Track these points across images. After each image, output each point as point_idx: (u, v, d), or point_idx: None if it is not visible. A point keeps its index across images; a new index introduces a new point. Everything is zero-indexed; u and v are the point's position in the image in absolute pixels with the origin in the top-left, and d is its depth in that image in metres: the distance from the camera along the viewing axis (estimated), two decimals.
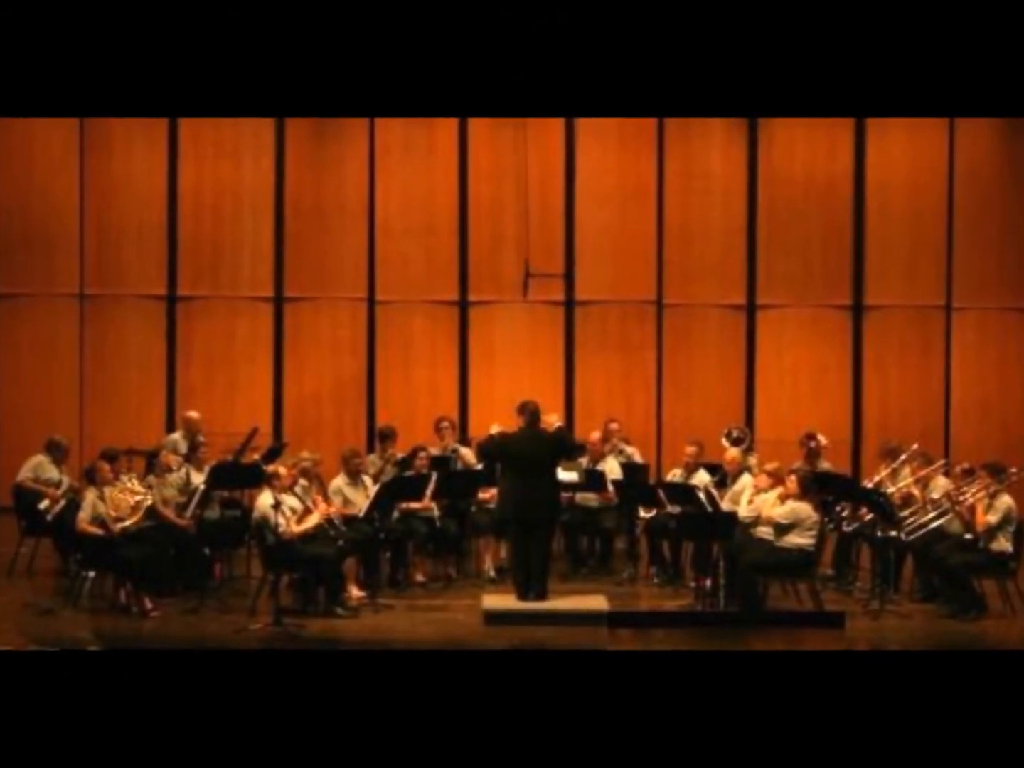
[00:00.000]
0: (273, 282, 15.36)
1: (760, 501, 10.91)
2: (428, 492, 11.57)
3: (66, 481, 11.97)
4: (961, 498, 10.90)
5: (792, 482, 10.74)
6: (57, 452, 12.11)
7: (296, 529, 10.50)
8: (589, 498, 12.19)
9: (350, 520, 10.98)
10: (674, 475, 12.14)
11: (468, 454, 12.54)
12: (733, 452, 11.81)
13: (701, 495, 11.01)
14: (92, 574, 10.75)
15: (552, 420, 11.74)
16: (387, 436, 12.44)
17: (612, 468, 12.29)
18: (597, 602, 10.79)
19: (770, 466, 11.18)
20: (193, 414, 12.97)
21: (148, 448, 12.42)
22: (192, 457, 11.81)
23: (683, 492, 11.28)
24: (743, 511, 10.96)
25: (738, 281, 15.52)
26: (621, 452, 12.70)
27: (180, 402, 14.96)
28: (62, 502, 11.65)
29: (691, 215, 15.51)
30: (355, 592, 10.93)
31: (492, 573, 11.85)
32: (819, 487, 10.97)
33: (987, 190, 15.45)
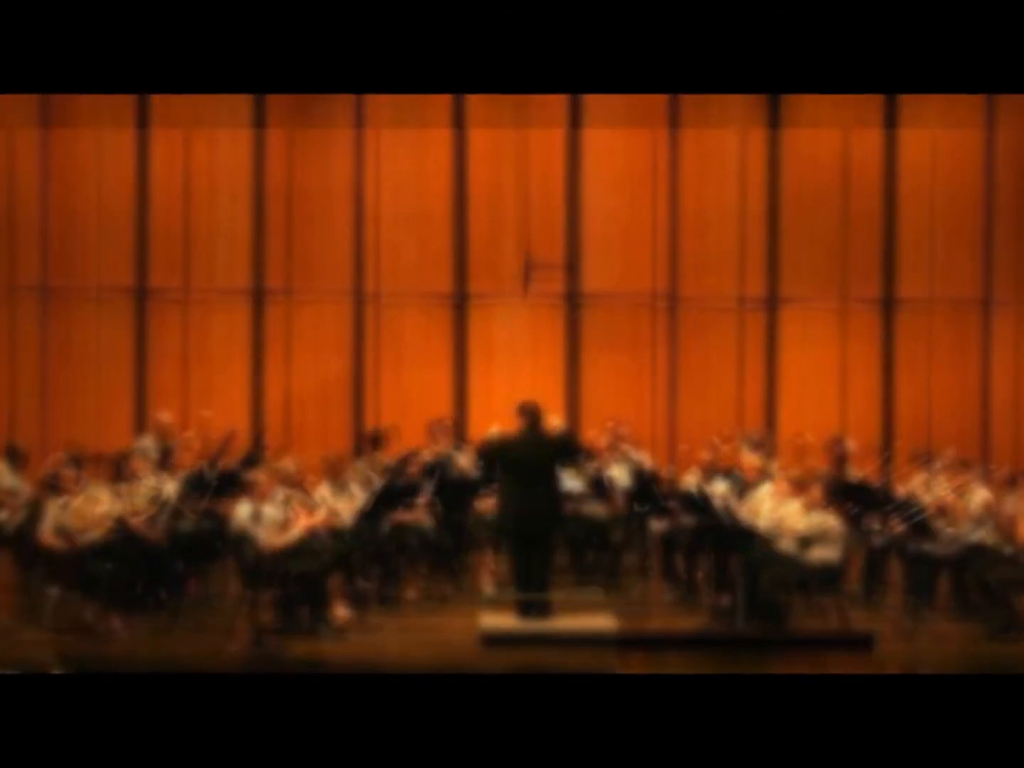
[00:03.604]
0: (251, 273, 15.34)
1: (782, 511, 10.91)
2: (421, 502, 11.58)
3: (26, 489, 11.97)
4: (1001, 508, 10.91)
5: (817, 491, 10.74)
6: (16, 458, 12.13)
7: (277, 541, 10.51)
8: (595, 508, 12.19)
9: (336, 532, 10.98)
10: (687, 483, 12.15)
11: (465, 459, 12.53)
12: (752, 458, 11.82)
13: (718, 505, 11.01)
14: (55, 591, 10.75)
15: (553, 421, 11.77)
16: (377, 441, 12.46)
17: (619, 475, 12.31)
18: (604, 621, 10.79)
19: (793, 473, 11.18)
20: (165, 417, 12.97)
21: (116, 453, 12.42)
22: (164, 463, 11.81)
23: (698, 502, 11.28)
24: (763, 522, 10.96)
25: (758, 273, 15.50)
26: (628, 458, 12.71)
27: (150, 404, 14.95)
28: (22, 512, 11.65)
29: (707, 201, 15.49)
30: (341, 610, 10.92)
31: (490, 590, 11.86)
32: (847, 496, 10.97)
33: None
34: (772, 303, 15.53)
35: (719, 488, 11.67)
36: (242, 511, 10.55)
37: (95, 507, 10.75)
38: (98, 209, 15.19)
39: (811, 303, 15.50)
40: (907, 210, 15.50)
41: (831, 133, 15.46)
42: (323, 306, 15.42)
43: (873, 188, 15.46)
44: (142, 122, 15.17)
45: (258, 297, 15.37)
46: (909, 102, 15.36)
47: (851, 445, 12.38)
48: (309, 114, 15.23)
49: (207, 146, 15.26)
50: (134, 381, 15.22)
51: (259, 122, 15.28)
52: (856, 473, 12.29)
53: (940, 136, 15.48)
